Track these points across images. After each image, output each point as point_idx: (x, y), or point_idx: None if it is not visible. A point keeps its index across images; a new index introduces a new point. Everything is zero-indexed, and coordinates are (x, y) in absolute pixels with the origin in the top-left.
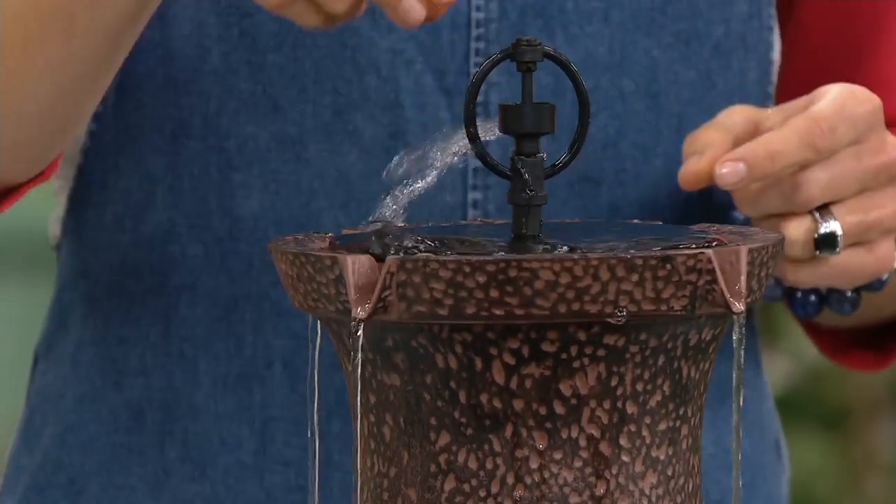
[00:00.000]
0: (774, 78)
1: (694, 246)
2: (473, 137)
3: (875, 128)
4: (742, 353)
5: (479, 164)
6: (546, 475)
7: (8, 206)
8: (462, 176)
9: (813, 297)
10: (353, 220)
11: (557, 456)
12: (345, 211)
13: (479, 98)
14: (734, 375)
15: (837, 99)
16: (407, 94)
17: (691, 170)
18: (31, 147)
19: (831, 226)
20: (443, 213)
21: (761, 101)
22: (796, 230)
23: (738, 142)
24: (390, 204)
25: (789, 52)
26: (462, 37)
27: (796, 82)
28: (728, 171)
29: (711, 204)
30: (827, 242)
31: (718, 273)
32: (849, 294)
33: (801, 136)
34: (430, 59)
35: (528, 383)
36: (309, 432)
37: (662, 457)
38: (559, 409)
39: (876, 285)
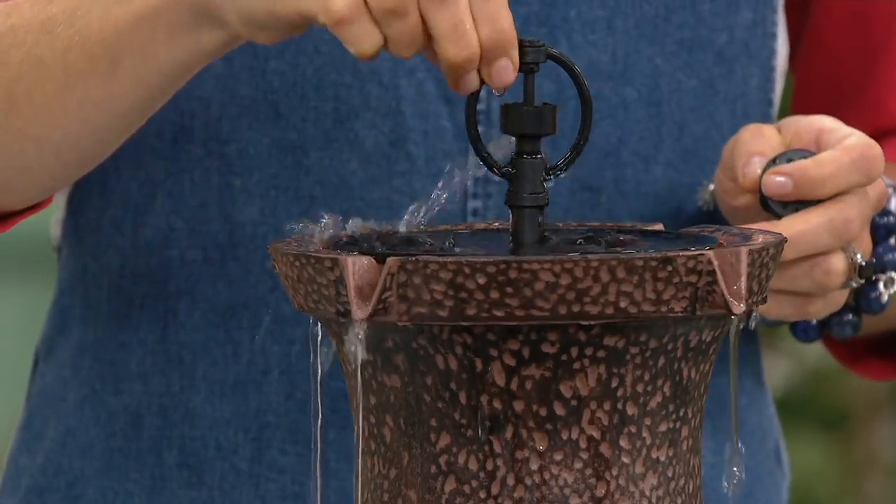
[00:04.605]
0: (776, 84)
1: (694, 247)
2: (475, 139)
3: None
4: (737, 356)
5: (479, 172)
6: (546, 476)
7: None
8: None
9: (814, 322)
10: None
11: (558, 457)
12: (345, 217)
13: (481, 106)
14: (731, 379)
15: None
16: (408, 101)
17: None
18: (41, 176)
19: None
20: (442, 221)
21: (763, 108)
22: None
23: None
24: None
25: (806, 55)
26: None
27: (813, 86)
28: (774, 183)
29: (712, 214)
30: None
31: (719, 274)
32: (849, 318)
33: (854, 160)
34: (432, 67)
35: (528, 384)
36: (313, 423)
37: (663, 458)
38: (559, 410)
39: (876, 308)
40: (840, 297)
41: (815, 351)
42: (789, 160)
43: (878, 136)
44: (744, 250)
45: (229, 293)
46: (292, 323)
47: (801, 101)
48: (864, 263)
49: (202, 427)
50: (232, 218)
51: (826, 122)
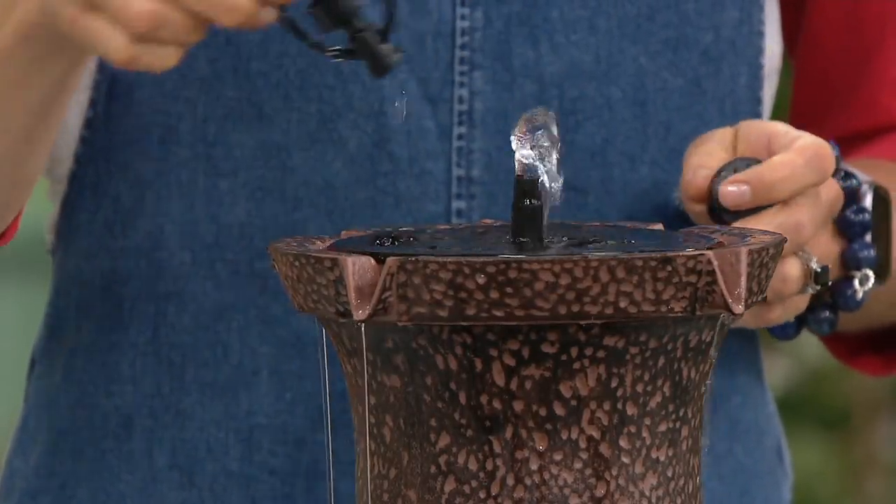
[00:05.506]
0: (765, 82)
1: (694, 247)
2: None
3: None
4: (716, 351)
5: (464, 173)
6: (546, 476)
7: None
8: (446, 185)
9: (791, 319)
10: (338, 228)
11: (557, 457)
12: (330, 218)
13: (463, 107)
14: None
15: (790, 128)
16: (391, 102)
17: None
18: None
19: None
20: (426, 221)
21: (752, 107)
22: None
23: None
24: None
25: (801, 54)
26: (447, 45)
27: (808, 84)
28: (732, 192)
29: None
30: (823, 275)
31: (718, 274)
32: (826, 315)
33: (808, 160)
34: (415, 67)
35: (528, 384)
36: (325, 424)
37: (662, 458)
38: (559, 410)
39: (852, 305)
40: (801, 303)
41: (815, 351)
42: (735, 170)
43: (872, 134)
44: (744, 250)
45: (218, 294)
46: (281, 324)
47: (797, 99)
48: (819, 269)
49: (192, 428)
50: (219, 219)
51: (776, 128)
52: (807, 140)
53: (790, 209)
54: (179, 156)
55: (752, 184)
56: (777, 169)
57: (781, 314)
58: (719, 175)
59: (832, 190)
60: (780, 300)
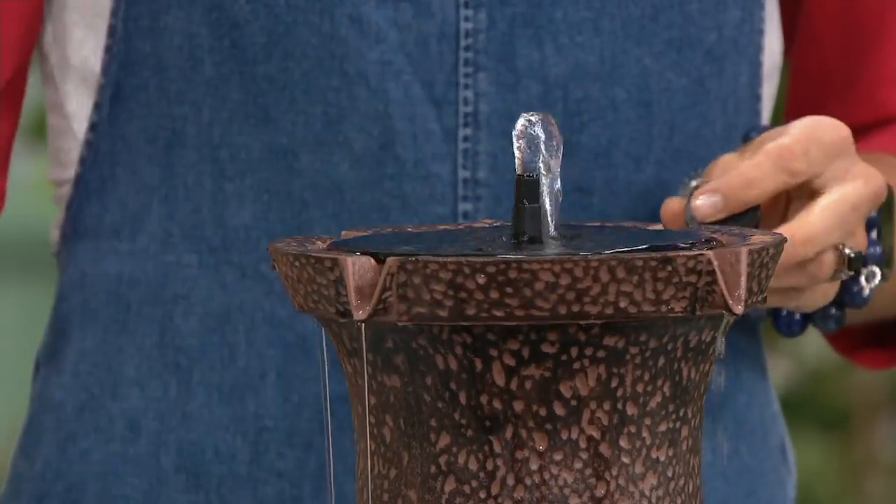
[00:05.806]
0: (764, 79)
1: (694, 247)
2: None
3: (846, 155)
4: (721, 350)
5: (469, 175)
6: (546, 476)
7: None
8: (452, 187)
9: (797, 316)
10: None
11: (557, 457)
12: (337, 220)
13: (469, 108)
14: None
15: (806, 126)
16: (396, 104)
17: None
18: None
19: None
20: (433, 223)
21: (752, 104)
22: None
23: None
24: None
25: (798, 48)
26: (451, 47)
27: (805, 79)
28: (703, 203)
29: None
30: (856, 262)
31: (718, 274)
32: (833, 311)
33: (774, 161)
34: (419, 69)
35: (528, 384)
36: (325, 425)
37: (663, 458)
38: (559, 410)
39: (859, 302)
40: (831, 291)
41: (816, 351)
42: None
43: (870, 127)
44: (744, 250)
45: (224, 297)
46: (288, 326)
47: (793, 95)
48: (852, 255)
49: (199, 431)
50: (225, 222)
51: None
52: (777, 142)
53: (841, 195)
54: (185, 159)
55: (722, 191)
56: (744, 172)
57: (810, 300)
58: (690, 195)
59: (876, 182)
60: (812, 287)
